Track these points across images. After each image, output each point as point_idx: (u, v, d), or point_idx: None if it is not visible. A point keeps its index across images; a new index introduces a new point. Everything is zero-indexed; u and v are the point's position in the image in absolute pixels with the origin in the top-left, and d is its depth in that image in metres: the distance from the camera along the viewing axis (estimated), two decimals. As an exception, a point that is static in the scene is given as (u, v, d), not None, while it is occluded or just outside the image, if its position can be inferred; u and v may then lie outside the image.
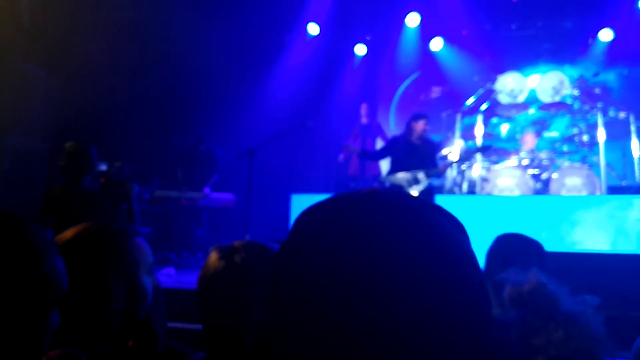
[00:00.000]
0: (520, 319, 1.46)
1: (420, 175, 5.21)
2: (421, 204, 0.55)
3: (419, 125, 5.37)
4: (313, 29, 7.93)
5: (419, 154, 5.32)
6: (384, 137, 6.93)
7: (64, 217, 3.16)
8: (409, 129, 5.43)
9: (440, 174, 5.50)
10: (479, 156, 6.38)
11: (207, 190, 6.00)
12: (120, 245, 1.28)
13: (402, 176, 5.26)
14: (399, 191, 0.56)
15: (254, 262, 1.25)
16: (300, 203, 6.35)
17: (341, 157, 6.65)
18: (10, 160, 5.44)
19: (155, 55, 6.46)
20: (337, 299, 0.48)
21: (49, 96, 5.76)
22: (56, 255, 0.97)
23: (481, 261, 2.17)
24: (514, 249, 2.24)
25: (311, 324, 0.49)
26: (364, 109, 6.99)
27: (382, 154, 5.78)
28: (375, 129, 7.00)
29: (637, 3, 6.98)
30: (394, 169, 5.43)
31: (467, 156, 6.08)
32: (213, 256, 1.28)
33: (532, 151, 6.50)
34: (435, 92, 6.99)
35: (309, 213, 0.57)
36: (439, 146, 5.91)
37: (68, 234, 1.27)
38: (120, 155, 3.98)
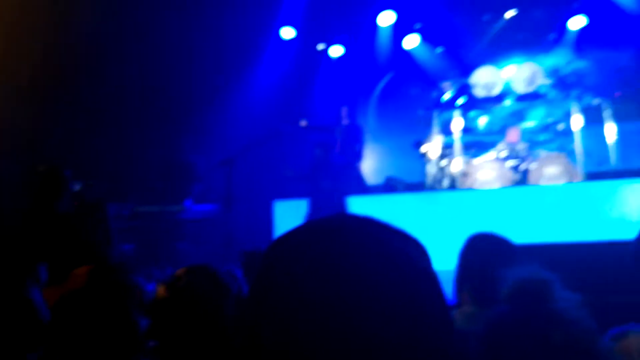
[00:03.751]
0: (512, 313, 1.46)
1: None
2: (387, 231, 0.58)
3: None
4: (287, 32, 7.90)
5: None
6: (360, 139, 6.95)
7: (41, 243, 3.10)
8: None
9: None
10: (457, 150, 6.41)
11: (187, 202, 5.94)
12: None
13: None
14: (366, 220, 0.59)
15: (198, 284, 1.29)
16: (284, 209, 6.32)
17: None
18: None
19: (127, 62, 6.37)
20: (307, 333, 0.50)
21: (19, 116, 5.65)
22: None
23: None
24: (485, 248, 2.25)
25: (282, 352, 0.51)
26: (344, 111, 7.00)
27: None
28: (355, 131, 7.01)
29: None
30: None
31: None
32: (159, 289, 1.34)
33: (509, 143, 6.55)
34: (446, 86, 7.00)
35: (281, 244, 0.60)
36: None
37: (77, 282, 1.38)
38: (96, 172, 3.92)
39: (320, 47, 8.30)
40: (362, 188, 6.83)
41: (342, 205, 5.73)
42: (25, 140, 5.29)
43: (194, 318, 1.26)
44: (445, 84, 7.13)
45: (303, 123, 6.87)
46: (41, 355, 1.33)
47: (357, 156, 6.99)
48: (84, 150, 5.47)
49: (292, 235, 0.59)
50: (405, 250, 0.56)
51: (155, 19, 6.40)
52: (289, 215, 6.18)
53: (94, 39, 5.85)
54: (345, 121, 7.04)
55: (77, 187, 3.41)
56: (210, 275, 1.32)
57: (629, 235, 4.85)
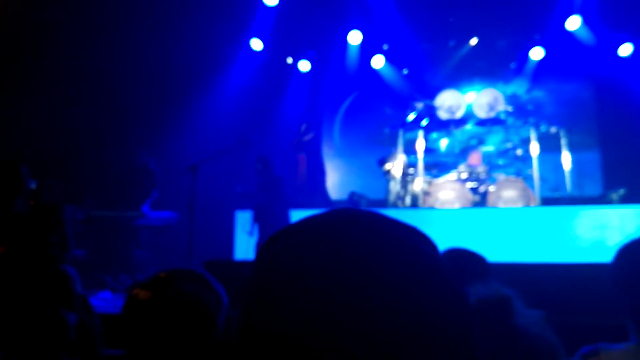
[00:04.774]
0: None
1: None
2: (397, 226, 0.56)
3: None
4: (256, 44, 7.88)
5: None
6: (320, 156, 7.02)
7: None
8: None
9: None
10: (420, 170, 6.52)
11: (145, 208, 5.78)
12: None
13: None
14: (375, 214, 0.58)
15: (191, 288, 1.15)
16: (245, 220, 6.24)
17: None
18: None
19: (90, 67, 6.21)
20: (324, 324, 0.48)
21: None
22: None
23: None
24: (459, 263, 2.26)
25: (291, 347, 0.49)
26: (303, 127, 7.06)
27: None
28: (318, 146, 7.06)
29: (564, 23, 7.40)
30: None
31: None
32: (137, 291, 1.16)
33: (470, 165, 6.71)
34: (418, 106, 7.12)
35: (285, 238, 0.56)
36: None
37: None
38: (51, 173, 3.77)
39: (289, 60, 8.33)
40: (326, 202, 6.84)
41: (284, 219, 5.58)
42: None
43: (185, 325, 1.10)
44: (418, 104, 7.27)
45: (303, 128, 6.98)
46: None
47: (322, 170, 7.02)
48: (40, 148, 5.27)
49: (297, 228, 0.57)
50: (416, 243, 0.55)
51: (126, 24, 6.28)
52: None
53: (59, 33, 5.68)
54: (309, 136, 7.07)
55: (33, 185, 3.24)
56: (203, 281, 1.17)
57: (581, 258, 5.02)
